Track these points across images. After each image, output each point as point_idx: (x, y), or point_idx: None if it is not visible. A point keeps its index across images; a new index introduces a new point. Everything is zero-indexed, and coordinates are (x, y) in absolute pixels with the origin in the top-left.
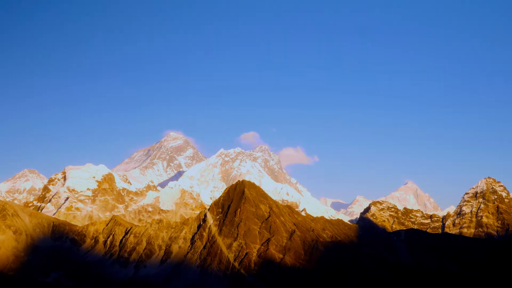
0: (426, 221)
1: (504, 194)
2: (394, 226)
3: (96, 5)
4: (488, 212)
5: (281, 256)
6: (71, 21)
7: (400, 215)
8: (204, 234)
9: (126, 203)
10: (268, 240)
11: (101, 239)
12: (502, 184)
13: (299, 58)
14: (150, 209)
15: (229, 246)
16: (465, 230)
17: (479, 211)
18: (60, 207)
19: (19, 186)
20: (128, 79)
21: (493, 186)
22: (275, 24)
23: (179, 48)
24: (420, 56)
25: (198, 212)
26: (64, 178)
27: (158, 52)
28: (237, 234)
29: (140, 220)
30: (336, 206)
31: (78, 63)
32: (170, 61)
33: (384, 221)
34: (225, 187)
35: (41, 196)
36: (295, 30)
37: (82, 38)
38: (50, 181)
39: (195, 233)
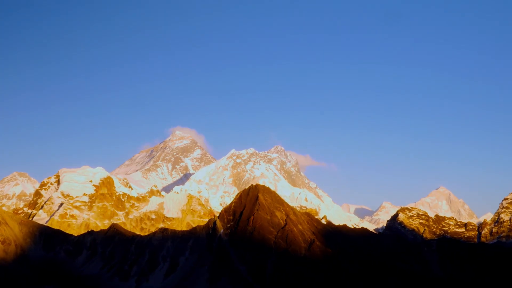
0: (460, 230)
1: None
2: (424, 235)
3: None
4: None
5: (299, 268)
6: (65, 13)
7: (431, 223)
8: (213, 244)
9: (126, 210)
10: (285, 251)
11: (99, 249)
12: None
13: (316, 51)
14: (153, 216)
15: (241, 258)
16: (504, 239)
17: None
18: (53, 214)
19: (8, 191)
20: (129, 72)
21: None
22: (291, 17)
23: (186, 38)
24: (453, 49)
25: (206, 220)
26: (58, 182)
27: (162, 42)
28: (250, 245)
29: (142, 228)
30: (360, 213)
31: (71, 56)
32: (174, 53)
33: (413, 229)
34: (236, 192)
35: (32, 202)
36: (313, 22)
37: (75, 30)
38: (42, 185)
39: (204, 243)
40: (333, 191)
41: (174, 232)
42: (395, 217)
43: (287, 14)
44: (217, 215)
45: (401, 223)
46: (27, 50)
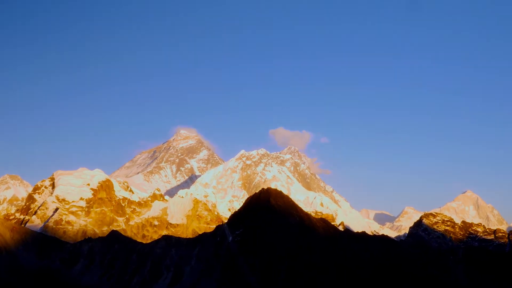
0: (489, 237)
1: None
2: (450, 242)
3: None
4: None
5: (313, 278)
6: (62, 9)
7: (457, 229)
8: (221, 252)
9: (127, 216)
10: (299, 259)
11: (97, 258)
12: None
13: (332, 42)
14: (156, 222)
15: (252, 267)
16: None
17: None
18: (47, 220)
19: None
20: (129, 68)
21: None
22: (299, 9)
23: (189, 34)
24: (485, 40)
25: (214, 226)
26: (53, 185)
27: (166, 36)
28: (261, 253)
29: (144, 236)
30: (381, 219)
31: (67, 52)
32: (179, 47)
33: (438, 237)
34: (246, 196)
35: (24, 207)
36: (323, 14)
37: (72, 27)
38: (36, 189)
39: (211, 252)
40: (351, 195)
41: (179, 240)
42: (418, 223)
43: (295, 6)
44: (225, 221)
45: (425, 230)
46: (21, 46)
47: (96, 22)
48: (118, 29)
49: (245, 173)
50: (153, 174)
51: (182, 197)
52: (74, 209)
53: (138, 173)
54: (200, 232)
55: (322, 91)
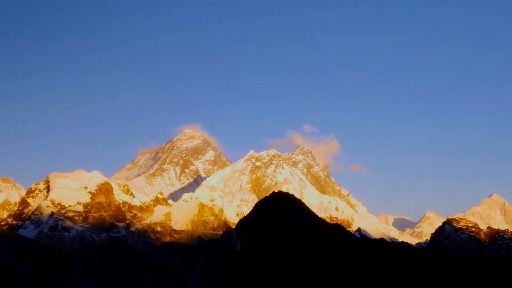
0: None
1: None
2: (475, 250)
3: None
4: None
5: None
6: (62, 7)
7: (482, 236)
8: (229, 260)
9: (127, 221)
10: (313, 269)
11: (96, 267)
12: None
13: (344, 34)
14: (159, 228)
15: (262, 277)
16: None
17: None
18: (42, 226)
19: None
20: (130, 63)
21: None
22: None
23: (197, 25)
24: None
25: (221, 232)
26: (48, 188)
27: (170, 30)
28: (272, 262)
29: (146, 243)
30: (400, 225)
31: (63, 45)
32: (183, 41)
33: (462, 244)
34: (256, 200)
35: (17, 211)
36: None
37: (71, 25)
38: (29, 192)
39: (218, 260)
40: (368, 199)
41: (183, 247)
42: (440, 229)
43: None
44: (233, 227)
45: (447, 237)
46: (14, 40)
47: (95, 20)
48: (118, 27)
49: (255, 175)
50: (155, 177)
51: (187, 201)
52: (70, 214)
53: (139, 175)
54: (206, 239)
55: (329, 88)
